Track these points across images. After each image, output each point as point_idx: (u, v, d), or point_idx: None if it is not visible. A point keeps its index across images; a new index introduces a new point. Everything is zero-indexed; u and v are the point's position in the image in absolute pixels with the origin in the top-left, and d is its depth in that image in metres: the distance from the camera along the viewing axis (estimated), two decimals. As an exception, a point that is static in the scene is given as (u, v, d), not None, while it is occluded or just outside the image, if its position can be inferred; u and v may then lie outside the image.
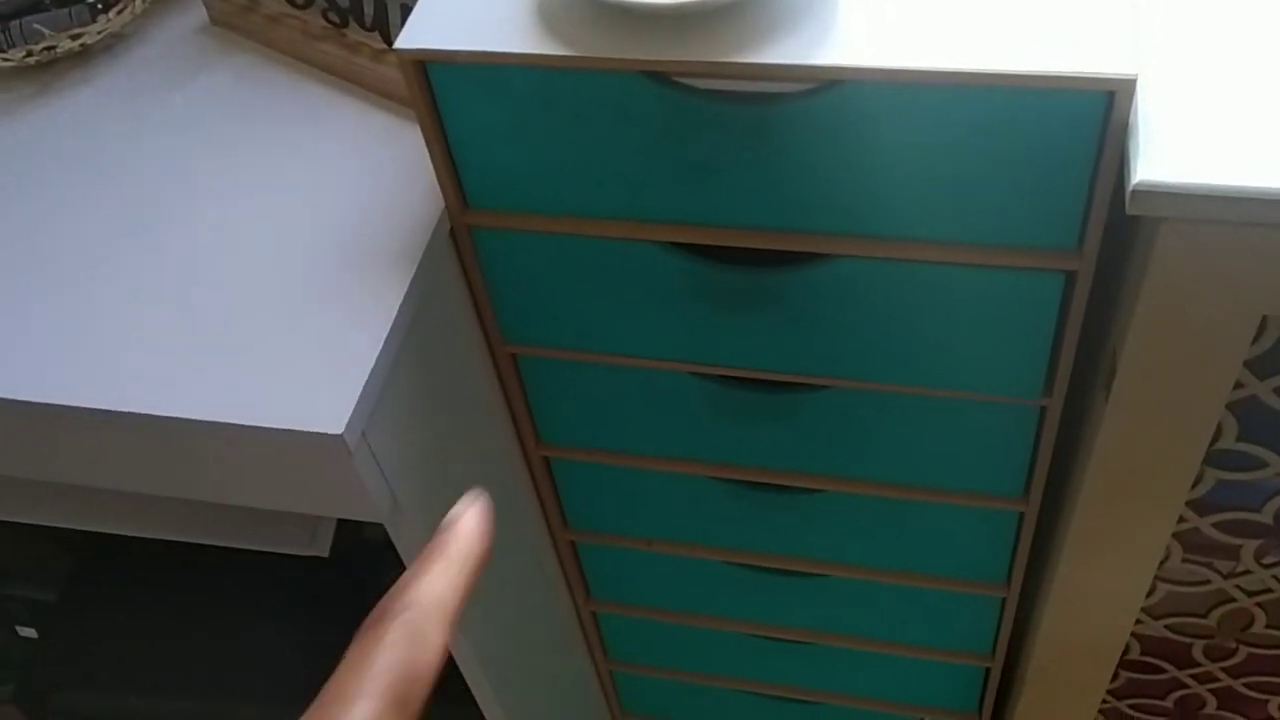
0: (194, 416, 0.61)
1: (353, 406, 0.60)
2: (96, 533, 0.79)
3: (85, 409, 0.62)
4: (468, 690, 0.88)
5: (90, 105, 0.80)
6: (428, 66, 0.62)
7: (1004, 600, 0.90)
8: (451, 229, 0.70)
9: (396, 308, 0.64)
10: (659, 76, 0.59)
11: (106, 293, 0.68)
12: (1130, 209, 0.52)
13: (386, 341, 0.63)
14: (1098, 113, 0.55)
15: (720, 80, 0.59)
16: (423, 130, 0.65)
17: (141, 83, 0.80)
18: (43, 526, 0.81)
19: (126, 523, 0.79)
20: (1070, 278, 0.63)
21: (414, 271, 0.66)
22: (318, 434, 0.59)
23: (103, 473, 0.69)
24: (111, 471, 0.69)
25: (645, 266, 0.69)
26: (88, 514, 0.79)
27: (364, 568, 0.88)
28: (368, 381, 0.61)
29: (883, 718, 1.10)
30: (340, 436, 0.59)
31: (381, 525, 0.67)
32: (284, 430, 0.59)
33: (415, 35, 0.61)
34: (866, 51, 0.56)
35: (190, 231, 0.71)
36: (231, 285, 0.67)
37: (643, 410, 0.81)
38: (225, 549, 0.77)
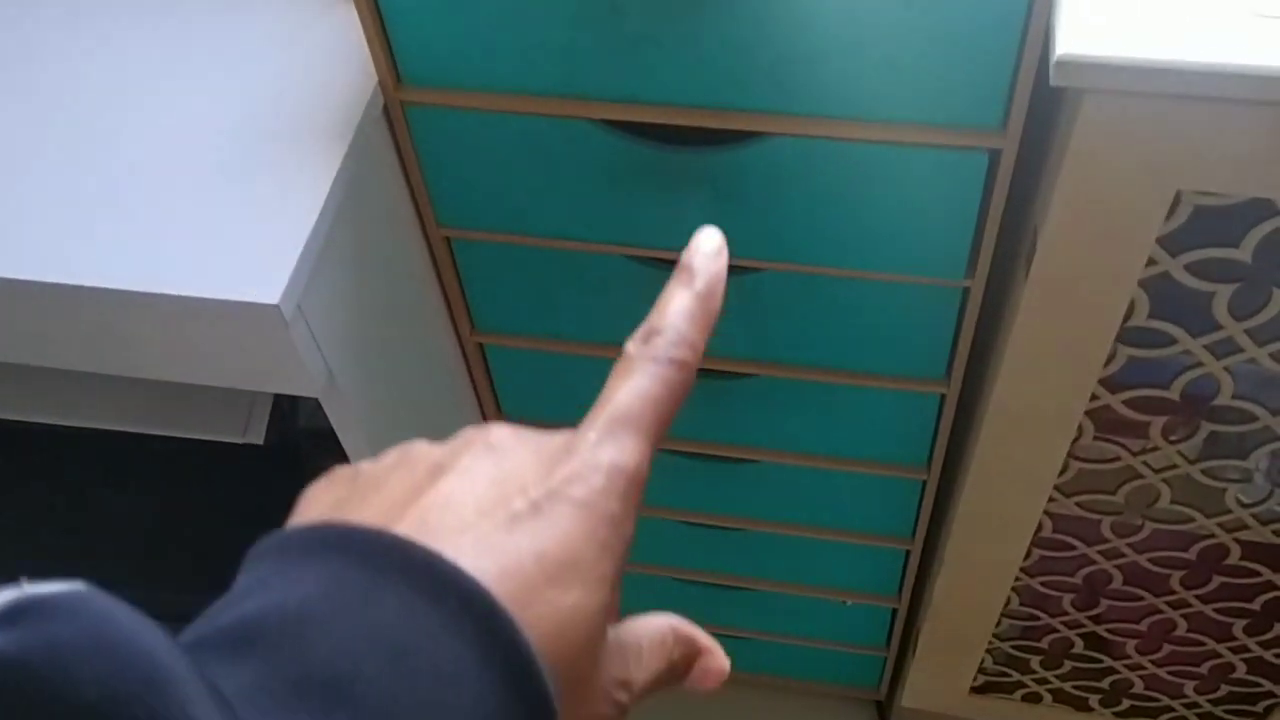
0: (128, 288, 0.60)
1: (288, 278, 0.60)
2: (29, 423, 0.78)
3: (10, 280, 0.62)
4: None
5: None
6: (360, -65, 0.61)
7: (924, 483, 0.93)
8: (385, 106, 0.69)
9: (330, 183, 0.64)
10: (595, -53, 0.59)
11: (30, 167, 0.67)
12: (1055, 80, 0.54)
13: (320, 216, 0.63)
14: (1024, -12, 0.56)
15: (656, -48, 0.59)
16: (355, 3, 0.64)
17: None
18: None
19: (58, 412, 0.78)
20: (994, 156, 0.65)
21: (347, 147, 0.66)
22: (254, 304, 0.59)
23: (33, 350, 0.69)
24: (43, 349, 0.68)
25: (580, 146, 0.70)
26: (19, 404, 0.78)
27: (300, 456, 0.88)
28: (302, 255, 0.61)
29: (807, 602, 1.13)
30: (276, 307, 0.59)
31: (315, 418, 0.67)
32: (220, 301, 0.59)
33: (347, -99, 0.60)
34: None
35: (117, 105, 0.70)
36: (159, 161, 0.66)
37: (577, 296, 0.82)
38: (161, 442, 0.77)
